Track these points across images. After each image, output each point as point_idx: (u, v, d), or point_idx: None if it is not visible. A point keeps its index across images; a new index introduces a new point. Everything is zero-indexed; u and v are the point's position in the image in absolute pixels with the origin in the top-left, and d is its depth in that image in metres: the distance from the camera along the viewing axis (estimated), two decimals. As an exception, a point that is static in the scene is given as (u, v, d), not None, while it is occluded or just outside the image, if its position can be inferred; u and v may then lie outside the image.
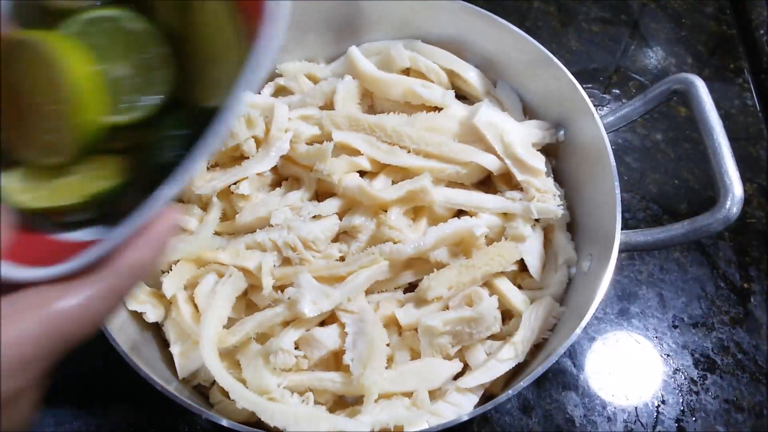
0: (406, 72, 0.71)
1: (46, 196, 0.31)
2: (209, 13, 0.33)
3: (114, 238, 0.26)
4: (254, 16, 0.30)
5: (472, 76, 0.71)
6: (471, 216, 0.60)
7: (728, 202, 0.52)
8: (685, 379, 0.68)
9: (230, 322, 0.55)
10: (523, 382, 0.48)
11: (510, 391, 0.48)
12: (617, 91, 0.89)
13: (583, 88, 0.62)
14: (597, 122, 0.60)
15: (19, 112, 0.31)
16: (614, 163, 0.58)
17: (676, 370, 0.68)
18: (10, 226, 0.28)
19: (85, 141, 0.31)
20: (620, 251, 0.54)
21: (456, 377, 0.56)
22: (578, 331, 0.50)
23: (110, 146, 0.33)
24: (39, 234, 0.31)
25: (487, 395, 0.56)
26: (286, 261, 0.58)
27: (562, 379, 0.67)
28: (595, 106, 0.61)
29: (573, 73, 0.63)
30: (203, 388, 0.57)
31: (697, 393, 0.67)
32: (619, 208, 0.56)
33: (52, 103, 0.30)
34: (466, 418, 0.48)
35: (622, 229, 0.55)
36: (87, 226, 0.32)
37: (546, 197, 0.61)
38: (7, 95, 0.30)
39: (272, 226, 0.59)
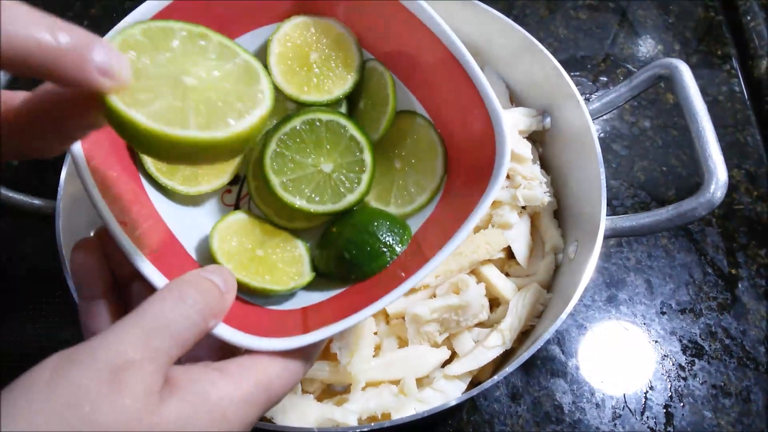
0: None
1: (262, 279, 0.38)
2: (424, 141, 0.41)
3: (331, 330, 0.31)
4: (472, 163, 0.36)
5: (458, 64, 0.70)
6: (458, 204, 0.60)
7: (712, 186, 0.52)
8: (673, 365, 0.68)
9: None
10: (509, 368, 0.48)
11: (496, 377, 0.48)
12: (605, 79, 0.89)
13: (572, 76, 0.62)
14: (583, 109, 0.60)
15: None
16: (600, 149, 0.58)
17: (665, 356, 0.68)
18: (234, 292, 0.32)
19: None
20: (606, 237, 0.54)
21: (444, 365, 0.56)
22: (564, 316, 0.50)
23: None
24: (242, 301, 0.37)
25: (475, 383, 0.56)
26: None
27: (550, 366, 0.67)
28: (583, 94, 0.61)
29: (561, 62, 0.63)
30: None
31: (685, 379, 0.67)
32: (604, 194, 0.56)
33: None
34: (453, 404, 0.48)
35: (609, 216, 0.55)
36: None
37: (532, 184, 0.61)
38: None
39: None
